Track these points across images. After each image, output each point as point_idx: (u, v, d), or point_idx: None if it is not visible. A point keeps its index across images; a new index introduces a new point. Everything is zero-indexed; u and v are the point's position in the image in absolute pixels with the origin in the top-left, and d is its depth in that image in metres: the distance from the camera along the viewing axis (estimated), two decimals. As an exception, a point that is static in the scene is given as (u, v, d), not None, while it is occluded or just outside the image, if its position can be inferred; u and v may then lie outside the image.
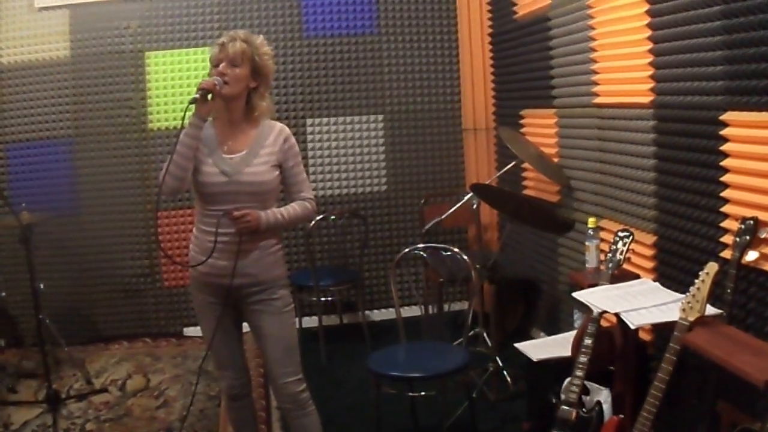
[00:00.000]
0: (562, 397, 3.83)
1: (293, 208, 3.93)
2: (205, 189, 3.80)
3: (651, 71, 4.39)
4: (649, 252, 4.55)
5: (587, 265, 4.77)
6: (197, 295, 4.02)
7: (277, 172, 3.88)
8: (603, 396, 3.80)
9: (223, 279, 3.82)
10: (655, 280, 4.17)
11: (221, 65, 3.72)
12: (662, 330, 4.09)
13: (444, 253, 5.04)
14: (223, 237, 3.76)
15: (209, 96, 3.69)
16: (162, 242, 7.11)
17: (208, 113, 3.75)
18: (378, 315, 7.51)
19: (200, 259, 3.82)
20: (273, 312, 3.91)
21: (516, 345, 4.71)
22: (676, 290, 3.79)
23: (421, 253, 5.21)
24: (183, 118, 3.67)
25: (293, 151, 3.94)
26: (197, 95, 3.64)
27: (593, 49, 5.12)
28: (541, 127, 6.14)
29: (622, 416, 3.70)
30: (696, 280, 3.20)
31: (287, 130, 3.96)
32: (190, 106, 3.66)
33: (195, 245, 3.94)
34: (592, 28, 5.11)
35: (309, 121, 7.19)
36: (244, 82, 3.77)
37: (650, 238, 4.54)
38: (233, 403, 4.20)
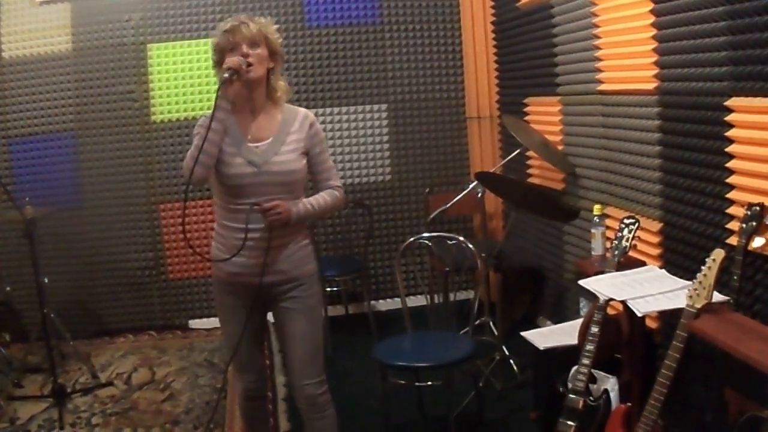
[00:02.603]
0: (569, 385, 3.82)
1: (323, 198, 3.79)
2: (232, 181, 3.62)
3: (655, 58, 4.36)
4: (655, 239, 4.53)
5: (593, 253, 4.75)
6: (223, 296, 3.86)
7: (305, 160, 3.75)
8: (610, 384, 3.79)
9: (254, 278, 3.67)
10: (661, 268, 4.16)
11: (242, 48, 3.55)
12: (669, 317, 4.07)
13: (449, 242, 5.03)
14: (253, 233, 3.60)
15: (235, 75, 3.50)
16: (166, 234, 7.12)
17: (234, 95, 3.59)
18: (383, 305, 7.51)
19: (225, 257, 3.71)
20: (302, 310, 3.77)
21: (522, 334, 4.70)
22: (682, 277, 3.77)
23: (426, 242, 5.19)
24: (215, 104, 3.52)
25: (319, 137, 3.82)
26: (226, 75, 3.47)
27: (597, 36, 5.10)
28: (545, 115, 6.12)
29: (629, 404, 3.69)
30: (702, 267, 3.18)
31: (312, 115, 3.84)
32: (219, 89, 3.50)
33: (220, 243, 3.79)
34: (595, 14, 5.08)
35: (312, 111, 7.13)
36: (266, 62, 3.64)
37: (656, 225, 4.53)
38: (249, 404, 4.07)
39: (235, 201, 3.65)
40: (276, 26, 3.74)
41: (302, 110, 3.83)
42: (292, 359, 3.82)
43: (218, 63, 3.66)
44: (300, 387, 3.80)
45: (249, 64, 3.53)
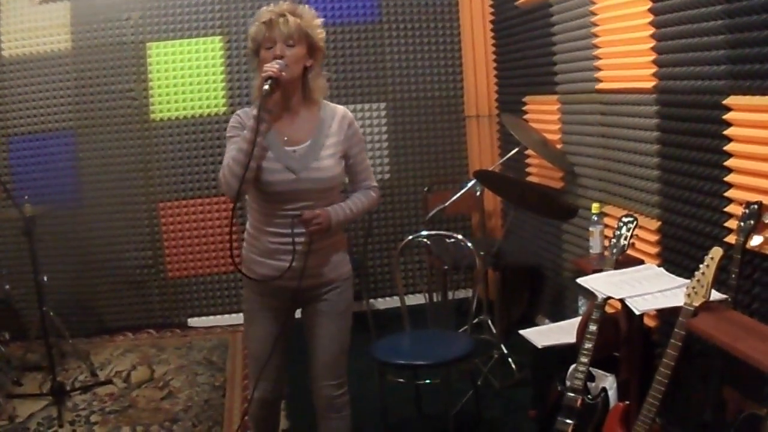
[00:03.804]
0: (568, 383, 3.83)
1: (360, 200, 3.70)
2: (270, 188, 3.48)
3: (653, 56, 4.37)
4: (653, 237, 4.54)
5: (591, 251, 4.75)
6: (255, 298, 3.73)
7: (343, 163, 3.62)
8: (608, 382, 3.80)
9: (291, 282, 3.54)
10: (659, 266, 4.16)
11: (276, 47, 3.37)
12: (667, 316, 4.07)
13: (448, 240, 5.03)
14: (290, 237, 3.50)
15: (276, 84, 3.31)
16: (165, 233, 7.12)
17: (274, 104, 3.42)
18: (382, 303, 7.50)
19: (260, 260, 3.61)
20: (332, 313, 3.69)
21: (521, 332, 4.70)
22: (680, 275, 3.77)
23: (425, 240, 5.19)
24: (258, 118, 3.29)
25: (358, 137, 3.68)
26: (267, 87, 3.26)
27: (595, 35, 5.10)
28: (543, 114, 6.12)
29: (627, 402, 3.69)
30: (701, 265, 3.18)
31: (350, 114, 3.68)
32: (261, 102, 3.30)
33: (253, 246, 3.65)
34: (593, 13, 5.08)
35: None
36: (302, 62, 3.46)
37: (654, 224, 4.53)
38: (262, 412, 3.91)
39: (271, 206, 3.53)
40: (321, 19, 3.56)
41: (341, 109, 3.68)
42: (316, 359, 3.74)
43: (254, 52, 3.49)
44: (319, 387, 3.75)
45: (286, 66, 3.36)
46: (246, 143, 3.32)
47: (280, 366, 3.82)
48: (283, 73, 3.34)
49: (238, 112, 3.58)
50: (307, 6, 3.55)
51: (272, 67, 3.31)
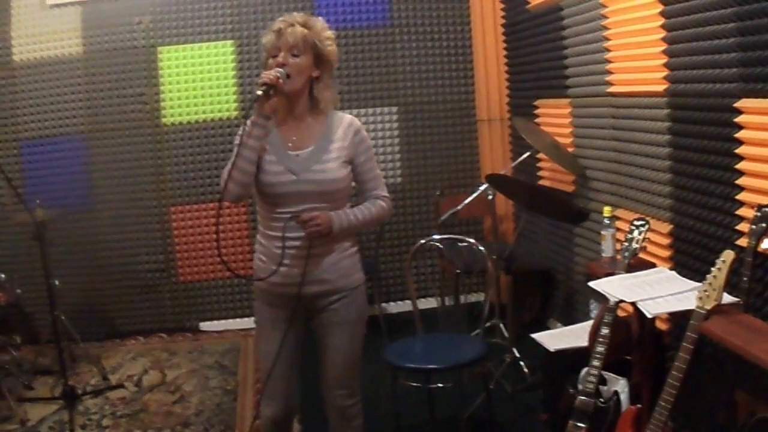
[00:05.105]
0: (580, 387, 3.81)
1: (367, 209, 3.61)
2: (271, 190, 3.49)
3: (665, 59, 4.36)
4: (665, 241, 4.52)
5: (603, 255, 4.74)
6: (264, 307, 3.70)
7: (349, 169, 3.57)
8: (620, 386, 3.79)
9: (295, 288, 3.52)
10: (671, 269, 4.14)
11: (280, 55, 3.41)
12: (679, 319, 4.06)
13: (460, 244, 5.02)
14: (294, 242, 3.47)
15: (272, 90, 3.36)
16: (177, 237, 7.14)
17: (272, 110, 3.45)
18: (394, 307, 7.51)
19: (267, 268, 3.55)
20: (344, 323, 3.63)
21: (533, 335, 4.70)
22: (692, 279, 3.75)
23: (437, 244, 5.18)
24: (251, 121, 3.40)
25: (365, 145, 3.63)
26: (259, 92, 3.32)
27: (606, 38, 5.09)
28: (555, 117, 6.12)
29: (639, 406, 3.69)
30: (712, 269, 3.17)
31: (357, 122, 3.64)
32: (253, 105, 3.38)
33: (261, 253, 3.64)
34: (605, 16, 5.08)
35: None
36: (307, 72, 3.47)
37: (666, 227, 4.52)
38: (273, 428, 3.78)
39: (275, 210, 3.52)
40: (331, 32, 3.59)
41: (348, 117, 3.64)
42: (327, 369, 3.71)
43: (266, 61, 3.51)
44: (331, 397, 3.72)
45: (287, 75, 3.39)
46: (238, 146, 3.40)
47: (289, 383, 3.77)
48: (281, 81, 3.37)
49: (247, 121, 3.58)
50: (320, 18, 3.58)
51: (269, 74, 3.35)
